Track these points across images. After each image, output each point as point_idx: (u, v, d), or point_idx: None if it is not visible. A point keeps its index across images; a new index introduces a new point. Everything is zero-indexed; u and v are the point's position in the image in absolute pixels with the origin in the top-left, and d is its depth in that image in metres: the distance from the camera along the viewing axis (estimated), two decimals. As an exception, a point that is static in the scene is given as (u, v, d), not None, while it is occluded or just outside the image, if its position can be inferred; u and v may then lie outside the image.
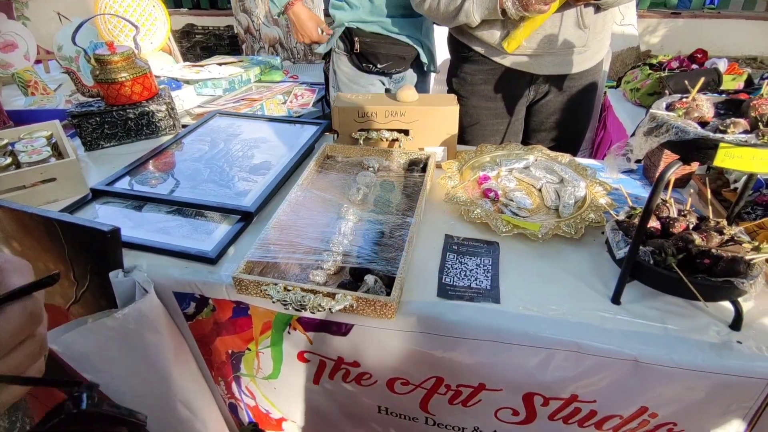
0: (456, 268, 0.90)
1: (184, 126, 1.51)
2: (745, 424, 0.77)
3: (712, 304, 0.78)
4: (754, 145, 0.59)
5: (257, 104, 1.76)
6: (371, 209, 1.05)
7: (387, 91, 1.80)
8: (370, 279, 0.82)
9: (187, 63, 2.33)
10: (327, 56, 1.81)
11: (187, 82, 1.99)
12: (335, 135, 1.28)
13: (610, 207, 1.00)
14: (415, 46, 1.69)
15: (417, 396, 0.90)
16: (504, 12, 1.19)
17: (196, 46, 4.80)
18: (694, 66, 1.58)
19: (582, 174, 1.13)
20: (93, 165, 1.34)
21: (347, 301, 0.77)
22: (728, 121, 0.64)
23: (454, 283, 0.86)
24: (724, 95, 0.82)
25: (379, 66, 1.70)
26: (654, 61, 1.80)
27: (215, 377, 1.09)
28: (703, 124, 0.69)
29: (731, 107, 0.75)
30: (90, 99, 1.41)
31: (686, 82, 0.96)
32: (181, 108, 1.80)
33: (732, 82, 1.49)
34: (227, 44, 4.62)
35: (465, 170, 1.19)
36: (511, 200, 1.08)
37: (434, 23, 1.69)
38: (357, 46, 1.64)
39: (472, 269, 0.89)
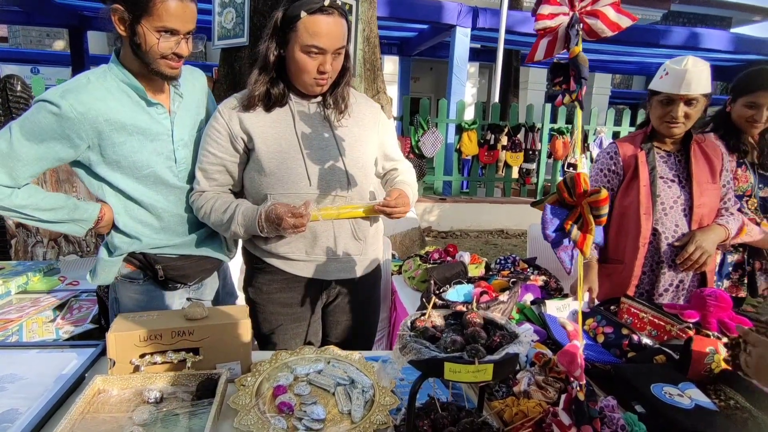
0: None
1: None
2: None
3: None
4: (465, 362, 0.75)
5: (13, 326, 1.48)
6: (148, 454, 0.93)
7: (188, 299, 1.59)
8: None
9: None
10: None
11: None
12: (111, 363, 1.15)
13: (394, 405, 1.09)
14: (219, 256, 1.55)
15: None
16: (262, 229, 1.34)
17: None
18: (449, 258, 2.01)
19: (369, 372, 1.22)
20: None
21: None
22: (449, 340, 0.81)
23: None
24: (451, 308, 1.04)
25: (189, 284, 1.53)
26: (423, 252, 2.21)
27: None
28: (436, 339, 0.86)
29: (457, 317, 0.95)
30: None
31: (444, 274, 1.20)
32: None
33: (476, 270, 1.91)
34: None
35: (261, 382, 1.17)
36: (305, 412, 1.08)
37: None
38: (161, 273, 1.45)
39: None
